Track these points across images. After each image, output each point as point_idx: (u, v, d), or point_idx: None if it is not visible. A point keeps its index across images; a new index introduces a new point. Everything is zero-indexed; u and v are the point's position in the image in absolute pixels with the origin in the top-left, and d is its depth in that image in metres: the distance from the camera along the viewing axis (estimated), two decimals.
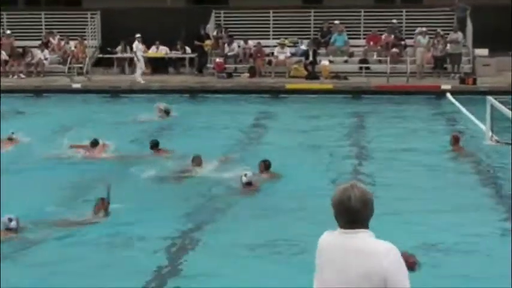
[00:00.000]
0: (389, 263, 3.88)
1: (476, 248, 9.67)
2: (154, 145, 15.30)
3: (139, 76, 25.46)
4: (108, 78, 26.51)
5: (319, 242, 4.11)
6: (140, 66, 25.70)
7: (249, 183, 12.29)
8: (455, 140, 15.66)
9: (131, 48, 27.46)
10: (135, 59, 25.81)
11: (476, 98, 20.28)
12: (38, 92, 24.93)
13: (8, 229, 10.07)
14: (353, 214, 3.95)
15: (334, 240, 4.00)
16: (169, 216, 11.21)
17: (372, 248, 3.92)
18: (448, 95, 22.99)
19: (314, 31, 27.96)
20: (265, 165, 13.29)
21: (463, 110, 20.34)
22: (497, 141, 16.12)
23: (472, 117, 18.96)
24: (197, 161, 13.70)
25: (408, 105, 22.28)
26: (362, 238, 3.95)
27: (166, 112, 19.89)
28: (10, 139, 16.04)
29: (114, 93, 24.65)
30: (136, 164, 14.33)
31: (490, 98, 16.28)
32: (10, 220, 10.10)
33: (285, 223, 10.88)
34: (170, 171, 13.86)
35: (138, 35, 25.83)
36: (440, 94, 23.35)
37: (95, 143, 15.25)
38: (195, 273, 8.94)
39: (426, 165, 14.68)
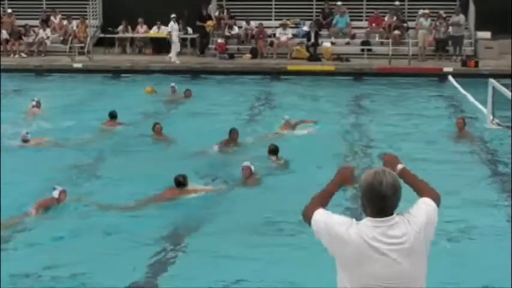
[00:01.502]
0: (426, 231, 3.89)
1: (480, 231, 9.73)
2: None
3: (174, 56, 25.30)
4: (109, 58, 26.46)
5: (345, 234, 3.84)
6: (175, 47, 25.42)
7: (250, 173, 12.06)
8: (461, 124, 15.52)
9: (133, 28, 27.42)
10: (171, 39, 25.53)
11: (478, 81, 20.27)
12: (39, 72, 24.88)
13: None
14: (383, 200, 3.78)
15: (373, 232, 3.82)
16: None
17: (407, 233, 3.84)
18: (450, 77, 22.96)
19: (316, 13, 27.86)
20: (273, 150, 13.27)
21: (465, 92, 20.33)
22: (498, 124, 16.13)
23: (474, 100, 18.96)
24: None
25: (410, 87, 22.26)
26: (398, 225, 3.83)
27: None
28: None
29: (115, 73, 24.61)
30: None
31: (492, 81, 16.28)
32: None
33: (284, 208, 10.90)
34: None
35: (173, 15, 25.71)
36: (442, 76, 23.33)
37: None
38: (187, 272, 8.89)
39: (428, 147, 14.72)
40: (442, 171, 12.47)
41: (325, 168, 12.91)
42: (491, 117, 16.41)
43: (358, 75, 24.03)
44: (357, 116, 18.30)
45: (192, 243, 9.78)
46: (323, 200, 4.10)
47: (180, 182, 11.31)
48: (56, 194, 10.75)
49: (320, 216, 3.98)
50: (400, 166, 4.16)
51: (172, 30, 25.61)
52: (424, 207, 3.96)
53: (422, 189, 4.11)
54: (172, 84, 20.88)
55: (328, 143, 14.94)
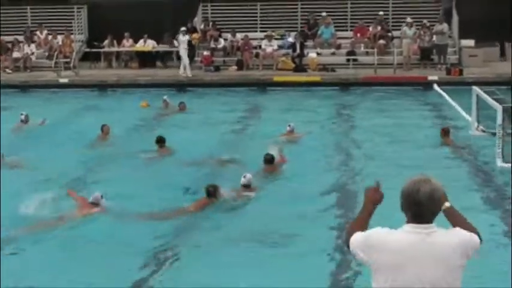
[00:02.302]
0: (466, 251, 3.98)
1: None
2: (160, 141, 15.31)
3: (183, 69, 25.24)
4: (95, 72, 26.47)
5: (379, 239, 4.01)
6: (184, 60, 25.24)
7: (247, 186, 12.05)
8: (445, 133, 15.73)
9: (118, 42, 27.44)
10: (180, 52, 25.45)
11: (463, 89, 20.38)
12: (24, 88, 24.82)
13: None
14: (419, 208, 3.94)
15: (408, 238, 3.96)
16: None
17: (448, 243, 3.95)
18: (435, 85, 23.10)
19: (301, 24, 27.99)
20: (268, 160, 13.34)
21: (450, 100, 20.46)
22: (483, 131, 16.24)
23: (458, 108, 19.09)
24: None
25: (395, 96, 22.39)
26: (433, 233, 3.96)
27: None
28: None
29: (102, 87, 24.61)
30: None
31: (476, 89, 16.38)
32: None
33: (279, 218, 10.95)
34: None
35: (183, 28, 25.73)
36: (427, 85, 23.47)
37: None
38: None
39: (414, 155, 14.78)
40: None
41: (313, 177, 13.06)
42: (476, 124, 16.52)
43: (344, 85, 24.14)
44: (343, 126, 18.37)
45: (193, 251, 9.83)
46: (360, 225, 4.22)
47: (211, 192, 11.48)
48: (95, 198, 11.11)
49: (357, 236, 4.12)
50: (447, 204, 4.20)
51: (180, 43, 25.48)
52: (469, 235, 4.05)
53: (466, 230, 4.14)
54: (165, 97, 20.95)
55: (317, 153, 15.00)
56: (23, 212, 11.02)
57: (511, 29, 24.89)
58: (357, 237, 4.09)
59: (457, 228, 4.07)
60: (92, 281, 8.76)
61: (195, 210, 11.32)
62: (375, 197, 4.30)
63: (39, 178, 13.11)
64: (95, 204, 11.09)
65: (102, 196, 11.18)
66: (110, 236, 10.26)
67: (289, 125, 16.79)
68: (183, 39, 25.37)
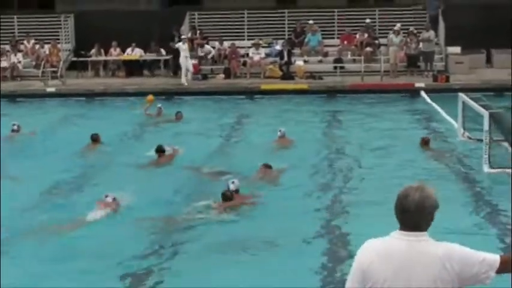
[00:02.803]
0: (451, 264, 3.86)
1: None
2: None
3: (184, 77, 25.13)
4: (82, 81, 26.42)
5: (368, 248, 3.97)
6: (185, 67, 25.14)
7: (235, 191, 12.03)
8: (425, 143, 15.85)
9: (105, 52, 27.40)
10: (180, 61, 25.27)
11: (450, 95, 20.46)
12: (12, 97, 24.71)
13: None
14: (405, 215, 3.89)
15: (394, 245, 3.91)
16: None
17: (435, 254, 3.87)
18: (422, 92, 23.18)
19: (288, 31, 28.05)
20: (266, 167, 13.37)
21: (437, 107, 20.55)
22: (469, 138, 16.31)
23: (445, 115, 19.17)
24: None
25: (383, 103, 22.44)
26: (422, 242, 3.90)
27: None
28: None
29: (89, 96, 24.55)
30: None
31: (462, 95, 16.46)
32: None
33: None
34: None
35: (183, 36, 25.71)
36: (414, 92, 23.55)
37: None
38: None
39: (400, 163, 14.83)
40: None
41: (301, 187, 13.07)
42: (462, 130, 16.59)
43: (332, 92, 24.20)
44: (331, 133, 18.40)
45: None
46: None
47: (228, 196, 11.71)
48: (109, 199, 11.66)
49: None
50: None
51: (181, 51, 25.34)
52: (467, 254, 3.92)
53: None
54: (159, 105, 20.97)
55: (304, 161, 15.02)
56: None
57: None
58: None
59: (456, 244, 3.96)
60: None
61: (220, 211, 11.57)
62: None
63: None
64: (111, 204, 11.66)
65: (115, 198, 11.77)
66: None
67: (279, 130, 16.87)
68: (183, 47, 25.32)
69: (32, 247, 10.26)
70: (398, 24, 26.36)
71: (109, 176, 14.30)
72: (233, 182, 12.12)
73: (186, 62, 25.22)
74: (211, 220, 11.41)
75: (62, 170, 14.58)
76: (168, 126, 19.49)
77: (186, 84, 25.01)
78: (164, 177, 14.08)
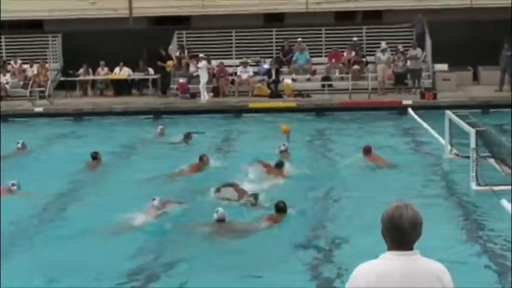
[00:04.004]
0: (444, 282, 3.90)
1: None
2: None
3: (204, 94, 25.35)
4: (70, 101, 26.39)
5: (364, 270, 3.91)
6: (204, 85, 25.39)
7: (221, 220, 11.86)
8: (367, 151, 16.15)
9: (93, 71, 27.40)
10: (200, 78, 25.47)
11: (437, 113, 20.53)
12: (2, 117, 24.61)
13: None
14: (401, 234, 3.87)
15: (390, 266, 3.88)
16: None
17: (431, 270, 3.90)
18: (410, 110, 23.27)
19: (276, 50, 28.15)
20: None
21: (424, 124, 20.61)
22: (457, 155, 16.36)
23: (433, 132, 19.22)
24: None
25: (371, 121, 22.50)
26: (416, 260, 3.90)
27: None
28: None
29: (77, 116, 24.52)
30: None
31: (448, 112, 16.52)
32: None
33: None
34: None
35: (201, 55, 25.97)
36: (402, 109, 23.63)
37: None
38: None
39: (388, 180, 14.85)
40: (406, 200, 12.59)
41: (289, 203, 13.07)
42: (450, 148, 16.63)
43: (320, 110, 24.27)
44: (319, 151, 18.43)
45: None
46: None
47: (282, 208, 12.01)
48: (156, 203, 12.45)
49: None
50: None
51: (198, 70, 25.65)
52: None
53: None
54: (161, 126, 21.00)
55: (294, 180, 15.03)
56: None
57: None
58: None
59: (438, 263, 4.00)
60: None
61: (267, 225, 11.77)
62: None
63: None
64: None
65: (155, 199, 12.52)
66: None
67: (283, 144, 17.24)
68: (201, 65, 25.45)
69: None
70: (383, 43, 26.53)
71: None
72: (216, 211, 11.93)
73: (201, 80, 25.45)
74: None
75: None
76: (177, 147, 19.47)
77: (204, 102, 25.15)
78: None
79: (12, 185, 14.29)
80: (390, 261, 3.90)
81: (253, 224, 11.99)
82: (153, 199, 12.58)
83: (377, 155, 16.40)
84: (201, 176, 15.42)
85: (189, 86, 26.55)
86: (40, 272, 10.05)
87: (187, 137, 19.75)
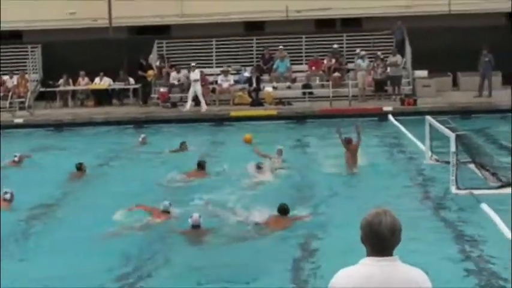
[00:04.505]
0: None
1: None
2: None
3: (204, 105, 25.18)
4: (50, 112, 26.26)
5: (343, 276, 3.89)
6: (199, 94, 25.19)
7: (196, 226, 11.83)
8: (348, 142, 16.48)
9: (74, 81, 27.29)
10: (195, 88, 25.29)
11: (418, 119, 20.62)
12: None
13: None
14: (380, 240, 3.86)
15: (369, 271, 3.87)
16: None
17: (410, 276, 3.88)
18: (390, 116, 23.36)
19: (257, 58, 28.19)
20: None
21: (405, 130, 20.69)
22: (437, 160, 16.44)
23: (413, 138, 19.30)
24: None
25: (352, 128, 22.47)
26: (396, 266, 3.88)
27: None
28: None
29: (57, 127, 24.40)
30: None
31: (429, 118, 16.59)
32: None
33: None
34: None
35: (193, 64, 25.80)
36: (382, 116, 23.73)
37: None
38: None
39: (370, 186, 14.89)
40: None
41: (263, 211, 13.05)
42: (430, 153, 16.71)
43: (301, 118, 24.31)
44: (301, 158, 18.43)
45: None
46: None
47: (285, 210, 12.18)
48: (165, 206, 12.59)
49: None
50: None
51: (191, 80, 25.52)
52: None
53: None
54: (143, 135, 20.95)
55: (276, 187, 15.03)
56: None
57: None
58: None
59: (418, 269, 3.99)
60: None
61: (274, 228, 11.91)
62: None
63: None
64: (167, 212, 12.43)
65: (170, 204, 12.53)
66: None
67: (279, 149, 17.34)
68: (193, 75, 25.40)
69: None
70: (358, 50, 26.66)
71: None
72: (191, 217, 11.89)
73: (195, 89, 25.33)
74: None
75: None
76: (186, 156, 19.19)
77: (203, 110, 25.08)
78: None
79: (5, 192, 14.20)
80: (369, 267, 3.89)
81: (229, 230, 11.97)
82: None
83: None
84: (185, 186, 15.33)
85: (170, 95, 26.52)
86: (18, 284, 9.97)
87: (183, 146, 19.61)
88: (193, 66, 25.79)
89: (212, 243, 11.57)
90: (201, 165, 16.38)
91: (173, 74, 27.11)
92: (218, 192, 14.32)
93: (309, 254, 10.96)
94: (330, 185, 15.33)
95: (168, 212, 12.60)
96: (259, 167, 15.93)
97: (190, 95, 25.42)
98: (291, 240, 11.65)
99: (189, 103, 25.37)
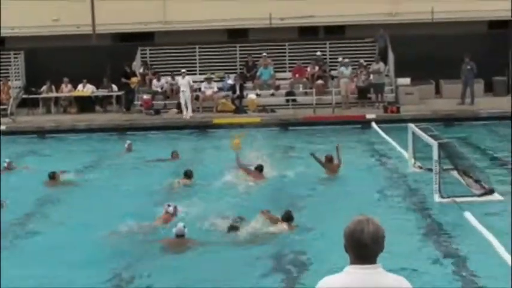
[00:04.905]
0: None
1: None
2: None
3: (186, 111, 25.13)
4: (33, 118, 26.13)
5: (327, 284, 3.92)
6: (188, 102, 25.15)
7: (180, 236, 11.74)
8: (329, 160, 16.42)
9: (57, 88, 27.18)
10: (184, 94, 25.24)
11: (401, 126, 20.69)
12: None
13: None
14: (363, 248, 3.88)
15: (352, 279, 3.89)
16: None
17: (393, 284, 3.90)
18: (373, 124, 23.44)
19: (240, 65, 28.21)
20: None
21: (387, 138, 20.75)
22: (420, 168, 16.50)
23: (396, 145, 19.37)
24: None
25: (335, 135, 22.56)
26: (378, 274, 3.91)
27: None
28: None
29: (40, 133, 24.28)
30: None
31: (411, 125, 16.65)
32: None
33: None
34: None
35: (183, 70, 25.71)
36: (366, 123, 23.80)
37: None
38: None
39: (353, 193, 14.91)
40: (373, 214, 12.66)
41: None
42: (413, 161, 16.77)
43: (284, 125, 24.34)
44: (284, 165, 18.43)
45: None
46: None
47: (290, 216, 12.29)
48: (170, 209, 12.66)
49: None
50: None
51: (180, 85, 25.48)
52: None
53: None
54: (129, 141, 20.87)
55: (259, 194, 15.03)
56: None
57: None
58: None
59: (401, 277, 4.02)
60: None
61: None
62: None
63: None
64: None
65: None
66: None
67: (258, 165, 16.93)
68: (183, 81, 25.34)
69: None
70: (341, 57, 26.77)
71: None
72: (175, 226, 11.85)
73: (184, 96, 25.27)
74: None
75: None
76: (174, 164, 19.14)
77: (188, 118, 25.00)
78: None
79: None
80: (352, 275, 3.91)
81: (213, 239, 11.96)
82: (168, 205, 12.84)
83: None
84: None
85: (153, 102, 26.48)
86: None
87: (174, 154, 19.50)
88: (183, 72, 25.76)
89: (196, 252, 11.50)
90: (187, 175, 16.32)
91: (154, 81, 27.08)
92: (202, 201, 14.27)
93: (291, 264, 10.96)
94: (312, 192, 15.35)
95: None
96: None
97: (183, 101, 25.34)
98: (277, 248, 11.64)
99: (190, 109, 25.24)
